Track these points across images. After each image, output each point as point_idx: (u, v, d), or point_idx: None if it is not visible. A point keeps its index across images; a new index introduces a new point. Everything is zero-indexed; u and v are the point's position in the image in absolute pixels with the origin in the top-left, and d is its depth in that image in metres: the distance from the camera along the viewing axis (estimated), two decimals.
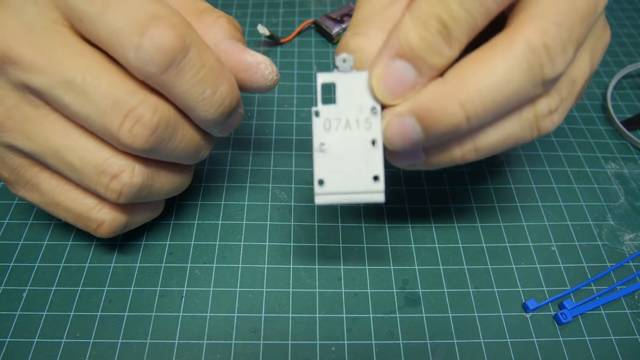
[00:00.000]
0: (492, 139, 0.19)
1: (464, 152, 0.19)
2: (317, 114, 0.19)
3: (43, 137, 0.19)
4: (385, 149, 0.19)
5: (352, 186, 0.19)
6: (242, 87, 0.22)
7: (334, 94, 0.19)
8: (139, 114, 0.18)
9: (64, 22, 0.18)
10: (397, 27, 0.18)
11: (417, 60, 0.17)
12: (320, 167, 0.19)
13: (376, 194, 0.19)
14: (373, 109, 0.19)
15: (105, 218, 0.22)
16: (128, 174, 0.20)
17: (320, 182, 0.19)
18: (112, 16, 0.17)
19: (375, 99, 0.19)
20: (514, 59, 0.17)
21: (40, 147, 0.19)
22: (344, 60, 0.19)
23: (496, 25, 0.18)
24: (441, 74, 0.18)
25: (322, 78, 0.19)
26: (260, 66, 0.21)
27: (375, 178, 0.19)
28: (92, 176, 0.20)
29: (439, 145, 0.20)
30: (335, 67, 0.19)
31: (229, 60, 0.21)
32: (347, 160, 0.19)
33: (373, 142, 0.19)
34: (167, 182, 0.22)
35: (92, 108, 0.18)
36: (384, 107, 0.19)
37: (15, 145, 0.20)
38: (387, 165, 0.20)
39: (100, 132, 0.19)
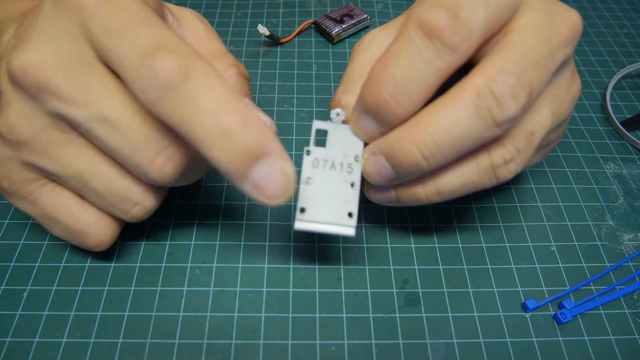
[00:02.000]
0: (453, 183, 0.21)
1: (427, 193, 0.22)
2: (308, 152, 0.22)
3: (68, 161, 0.20)
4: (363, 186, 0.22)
5: (329, 218, 0.21)
6: None
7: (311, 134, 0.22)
8: (170, 154, 0.19)
9: (96, 55, 0.19)
10: (362, 88, 0.20)
11: (374, 115, 0.20)
12: (304, 197, 0.22)
13: (349, 227, 0.22)
14: (356, 157, 0.22)
15: (103, 238, 0.23)
16: (149, 201, 0.21)
17: (302, 210, 0.21)
18: (122, 48, 0.17)
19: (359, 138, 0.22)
20: (462, 104, 0.18)
21: (63, 170, 0.20)
22: (337, 114, 0.22)
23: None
24: (405, 120, 0.20)
25: (317, 125, 0.22)
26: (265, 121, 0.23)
27: (350, 214, 0.22)
28: (113, 202, 0.21)
29: (405, 186, 0.22)
30: (329, 118, 0.22)
31: None
32: (328, 195, 0.22)
33: (352, 185, 0.22)
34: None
35: (124, 143, 0.19)
36: (366, 144, 0.22)
37: (37, 164, 0.20)
38: None
39: (127, 164, 0.19)
